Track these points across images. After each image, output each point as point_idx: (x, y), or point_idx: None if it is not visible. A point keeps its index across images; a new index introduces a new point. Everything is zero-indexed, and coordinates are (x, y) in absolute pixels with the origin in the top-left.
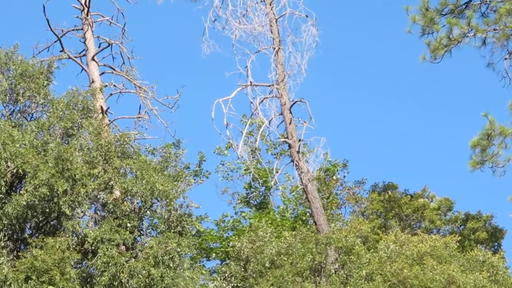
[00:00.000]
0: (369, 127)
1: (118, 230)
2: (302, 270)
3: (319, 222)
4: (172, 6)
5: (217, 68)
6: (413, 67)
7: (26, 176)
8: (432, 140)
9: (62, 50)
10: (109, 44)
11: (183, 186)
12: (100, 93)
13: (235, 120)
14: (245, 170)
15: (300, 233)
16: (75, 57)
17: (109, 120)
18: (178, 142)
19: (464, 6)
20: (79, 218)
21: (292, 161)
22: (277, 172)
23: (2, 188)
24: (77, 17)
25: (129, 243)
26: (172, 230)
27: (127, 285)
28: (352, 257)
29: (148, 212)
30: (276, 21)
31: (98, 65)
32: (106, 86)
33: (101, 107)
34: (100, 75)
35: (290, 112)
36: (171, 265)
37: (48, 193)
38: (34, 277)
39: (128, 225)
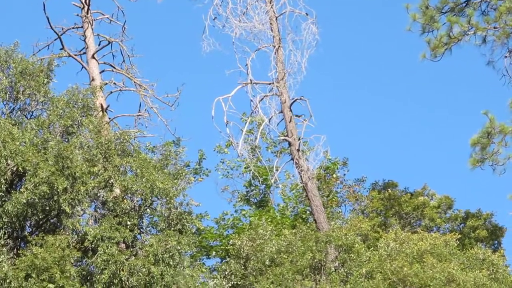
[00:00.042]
0: (369, 125)
1: (118, 228)
2: (302, 268)
3: (319, 220)
4: (172, 4)
5: (217, 66)
6: (413, 65)
7: (26, 174)
8: (432, 138)
9: (62, 48)
10: (109, 42)
11: (183, 184)
12: (100, 91)
13: (235, 118)
14: (245, 168)
15: (300, 231)
16: (75, 55)
17: (109, 118)
18: (178, 140)
19: (464, 4)
20: (79, 216)
21: (292, 159)
22: (277, 170)
23: (2, 186)
24: (77, 15)
25: (129, 241)
26: (172, 228)
27: (127, 283)
28: (352, 255)
29: (148, 210)
30: (276, 19)
31: (98, 63)
32: (106, 84)
33: (101, 105)
34: (100, 73)
35: (290, 110)
36: (171, 263)
37: (48, 191)
38: (34, 275)
39: (128, 223)
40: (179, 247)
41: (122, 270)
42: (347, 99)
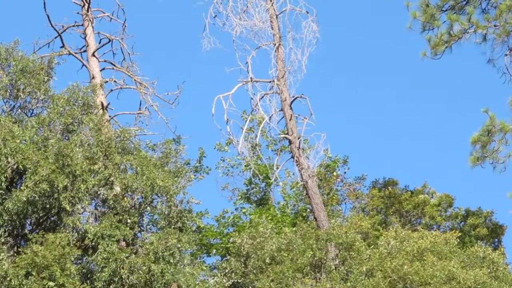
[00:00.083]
0: (369, 123)
1: (118, 226)
2: (302, 266)
3: (320, 218)
4: (173, 2)
5: (218, 64)
6: (413, 63)
7: (27, 172)
8: (433, 136)
9: (63, 46)
10: (109, 40)
11: (183, 182)
12: (101, 89)
13: (236, 116)
14: (245, 166)
15: (301, 229)
16: (76, 53)
17: (110, 116)
18: (178, 138)
19: (464, 2)
20: (80, 214)
21: (293, 157)
22: (277, 168)
23: (3, 184)
24: (78, 13)
25: (130, 239)
26: (173, 226)
27: (127, 281)
28: (353, 253)
29: (148, 208)
30: (276, 17)
31: (99, 61)
32: (107, 82)
33: (102, 103)
34: (101, 71)
35: (291, 108)
36: (171, 261)
37: (48, 189)
38: (34, 273)
39: (129, 221)
40: (179, 245)
41: (123, 268)
42: (347, 97)
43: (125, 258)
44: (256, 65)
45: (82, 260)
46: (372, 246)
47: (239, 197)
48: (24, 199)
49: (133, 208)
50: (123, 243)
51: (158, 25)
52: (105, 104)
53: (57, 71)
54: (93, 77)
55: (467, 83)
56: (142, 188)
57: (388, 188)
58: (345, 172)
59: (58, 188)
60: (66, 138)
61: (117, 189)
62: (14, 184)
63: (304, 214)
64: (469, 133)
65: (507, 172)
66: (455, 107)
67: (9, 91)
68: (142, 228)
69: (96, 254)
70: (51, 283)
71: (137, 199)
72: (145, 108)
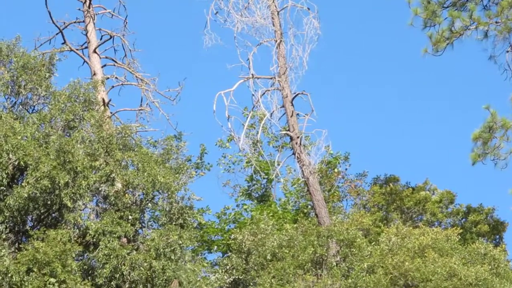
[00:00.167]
0: (370, 119)
1: (119, 223)
2: (303, 262)
3: (321, 214)
4: None
5: (219, 60)
6: (414, 60)
7: (28, 168)
8: (434, 133)
9: (64, 43)
10: (111, 37)
11: (184, 178)
12: (102, 85)
13: (237, 113)
14: (246, 162)
15: (302, 225)
16: (77, 49)
17: (111, 113)
18: (179, 135)
19: None
20: (81, 210)
21: (294, 153)
22: (278, 164)
23: (4, 180)
24: (79, 9)
25: (131, 236)
26: (174, 223)
27: (128, 277)
28: (354, 250)
29: (149, 204)
30: (278, 13)
31: (100, 58)
32: (108, 78)
33: (103, 99)
34: (102, 67)
35: (292, 105)
36: (172, 257)
37: (49, 185)
38: (35, 269)
39: (130, 217)
40: (180, 242)
41: (124, 264)
42: (348, 93)
43: (126, 255)
44: (257, 62)
45: (83, 256)
46: (373, 243)
47: (240, 194)
48: (25, 195)
49: (134, 204)
50: (124, 240)
51: (159, 22)
52: (106, 101)
53: (58, 67)
54: (94, 74)
55: (469, 79)
56: (143, 185)
57: (389, 185)
58: (346, 169)
59: (59, 185)
60: (67, 134)
61: (118, 185)
62: (15, 181)
63: (305, 210)
64: (470, 130)
65: (508, 169)
66: (456, 104)
67: (10, 87)
68: (143, 224)
69: (97, 250)
70: (52, 280)
71: (138, 195)
72: (146, 104)
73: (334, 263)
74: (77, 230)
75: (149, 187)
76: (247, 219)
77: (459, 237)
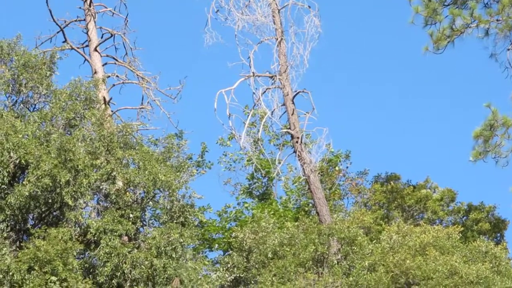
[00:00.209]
0: (371, 118)
1: (120, 221)
2: (304, 260)
3: (322, 212)
4: None
5: (220, 58)
6: (415, 58)
7: (29, 167)
8: (435, 131)
9: (65, 41)
10: (111, 35)
11: (185, 176)
12: (103, 83)
13: (238, 111)
14: (247, 160)
15: (303, 223)
16: (78, 47)
17: (112, 111)
18: (180, 133)
19: None
20: (82, 208)
21: (295, 151)
22: (279, 162)
23: (5, 179)
24: (80, 7)
25: (132, 234)
26: (175, 221)
27: (129, 275)
28: (355, 248)
29: (150, 202)
30: (278, 11)
31: (101, 56)
32: (109, 76)
33: (104, 97)
34: (103, 65)
35: (293, 103)
36: (173, 255)
37: (50, 183)
38: (36, 268)
39: (131, 215)
40: (181, 240)
41: (125, 262)
42: (349, 91)
43: (127, 253)
44: (258, 60)
45: (85, 254)
46: (374, 241)
47: (241, 192)
48: (27, 194)
49: (135, 202)
50: (125, 238)
51: (160, 20)
52: (107, 99)
53: (59, 66)
54: (95, 72)
55: (469, 77)
56: (144, 183)
57: (390, 183)
58: (347, 167)
59: (60, 183)
60: (68, 133)
61: (119, 183)
62: (16, 179)
63: (306, 208)
64: (471, 128)
65: (509, 167)
66: (457, 102)
67: (11, 86)
68: (144, 222)
69: (98, 248)
70: (53, 278)
71: (139, 193)
72: (147, 103)
73: (335, 261)
74: (78, 229)
75: (150, 186)
76: (248, 217)
77: (460, 235)
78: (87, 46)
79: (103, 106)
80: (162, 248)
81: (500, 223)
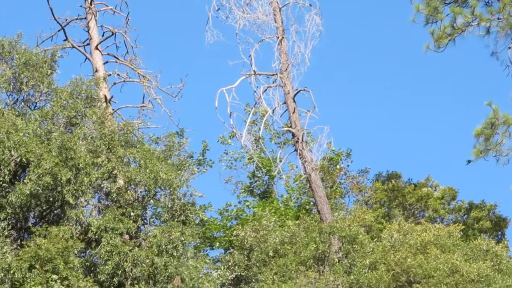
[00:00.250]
0: (372, 116)
1: (121, 219)
2: (305, 259)
3: (323, 211)
4: None
5: (221, 57)
6: (416, 56)
7: (30, 165)
8: (436, 129)
9: (66, 39)
10: (112, 33)
11: (186, 175)
12: (104, 82)
13: (239, 109)
14: (248, 159)
15: (304, 222)
16: (79, 46)
17: (113, 109)
18: (181, 131)
19: None
20: (83, 207)
21: (296, 150)
22: (280, 161)
23: (6, 177)
24: (81, 6)
25: (133, 232)
26: (176, 219)
27: (130, 274)
28: (356, 246)
29: (151, 201)
30: (279, 10)
31: (102, 54)
32: (110, 75)
33: (105, 96)
34: (104, 64)
35: (294, 101)
36: (174, 254)
37: (51, 182)
38: (37, 266)
39: (132, 214)
40: (182, 238)
41: (126, 261)
42: (350, 90)
43: (128, 251)
44: (259, 58)
45: (86, 253)
46: (376, 239)
47: (242, 190)
48: (28, 192)
49: (136, 201)
50: (127, 236)
51: (161, 18)
52: (108, 97)
53: (60, 64)
54: (96, 70)
55: (471, 76)
56: (145, 181)
57: (392, 181)
58: (348, 165)
59: (62, 181)
60: (69, 131)
61: (121, 182)
62: (17, 177)
63: (307, 207)
64: (472, 126)
65: (510, 165)
66: (458, 100)
67: (12, 84)
68: (145, 221)
69: (99, 247)
70: (54, 276)
71: (140, 192)
72: (149, 101)
73: (336, 260)
74: (79, 227)
75: (151, 184)
76: (249, 216)
77: (461, 233)
78: (88, 44)
79: (104, 104)
80: (163, 247)
81: (501, 221)
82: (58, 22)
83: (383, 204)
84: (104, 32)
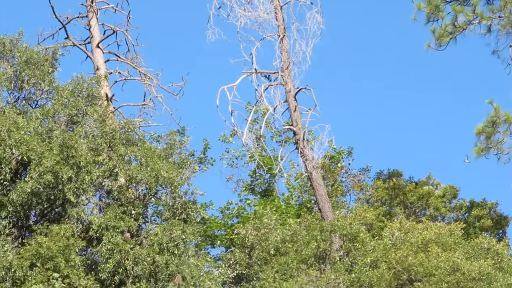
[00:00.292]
0: (374, 114)
1: (122, 217)
2: (306, 257)
3: (324, 209)
4: None
5: (222, 55)
6: (418, 55)
7: (31, 163)
8: (437, 127)
9: (67, 37)
10: (114, 31)
11: (187, 173)
12: (105, 80)
13: (240, 108)
14: (249, 157)
15: (305, 220)
16: (80, 44)
17: (114, 107)
18: (182, 129)
19: None
20: (84, 205)
21: (297, 148)
22: (281, 159)
23: (7, 175)
24: (82, 4)
25: (134, 230)
26: (177, 217)
27: (131, 272)
28: (357, 245)
29: (152, 199)
30: (281, 8)
31: (103, 52)
32: (111, 73)
33: (106, 94)
34: (105, 62)
35: (295, 100)
36: (175, 252)
37: (52, 180)
38: (39, 264)
39: (133, 212)
40: (183, 236)
41: (127, 259)
42: (351, 88)
43: (129, 249)
44: (260, 57)
45: (87, 251)
46: (377, 238)
47: (244, 189)
48: (29, 190)
49: (137, 199)
50: (128, 234)
51: (162, 17)
52: (109, 96)
53: (61, 62)
54: (97, 69)
55: (472, 74)
56: (146, 180)
57: (393, 180)
58: (349, 164)
59: (63, 179)
60: (71, 129)
61: (122, 180)
62: (18, 175)
63: (309, 205)
64: (473, 124)
65: (511, 163)
66: (459, 99)
67: (13, 82)
68: (146, 219)
69: (100, 245)
70: (55, 274)
71: (142, 190)
72: (150, 99)
73: (337, 258)
74: (80, 225)
75: (152, 182)
76: (250, 214)
77: (462, 231)
78: (89, 42)
79: (105, 102)
80: (164, 245)
81: (502, 219)
82: (59, 20)
83: (384, 202)
84: (105, 30)
